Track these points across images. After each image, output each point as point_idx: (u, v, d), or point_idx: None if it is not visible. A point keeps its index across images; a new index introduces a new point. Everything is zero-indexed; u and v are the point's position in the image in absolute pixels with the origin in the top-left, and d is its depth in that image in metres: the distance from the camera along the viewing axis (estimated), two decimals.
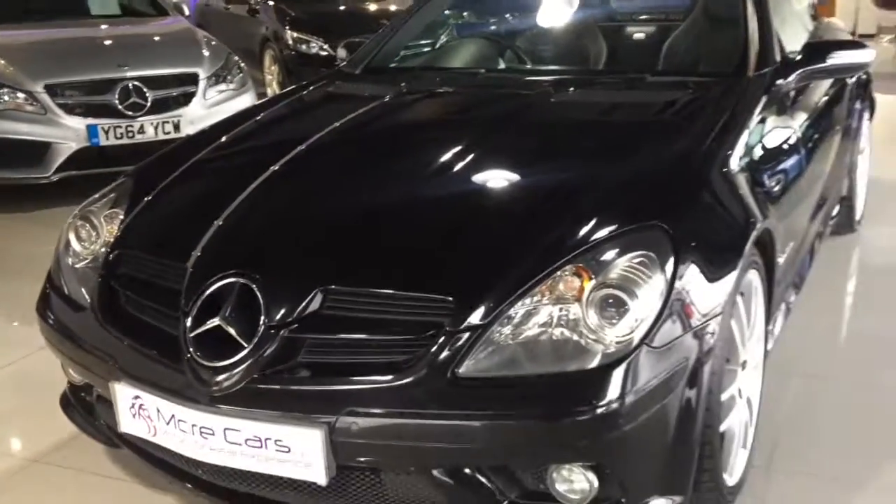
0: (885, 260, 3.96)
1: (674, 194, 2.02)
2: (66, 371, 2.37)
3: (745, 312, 2.12)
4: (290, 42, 8.08)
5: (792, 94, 2.82)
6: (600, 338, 1.72)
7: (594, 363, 1.70)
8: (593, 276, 1.77)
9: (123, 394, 1.95)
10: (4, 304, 3.92)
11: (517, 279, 1.77)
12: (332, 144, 2.48)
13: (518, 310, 1.75)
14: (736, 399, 2.11)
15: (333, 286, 1.83)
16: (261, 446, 1.77)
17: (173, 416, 1.86)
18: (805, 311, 3.35)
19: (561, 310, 1.76)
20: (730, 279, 1.90)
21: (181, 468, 1.99)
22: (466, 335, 1.72)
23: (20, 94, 5.07)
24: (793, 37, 3.20)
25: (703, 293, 1.83)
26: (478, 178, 2.19)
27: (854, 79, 3.73)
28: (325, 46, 7.91)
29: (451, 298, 1.76)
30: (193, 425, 1.83)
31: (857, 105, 3.84)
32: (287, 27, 8.21)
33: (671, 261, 1.81)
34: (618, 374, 1.68)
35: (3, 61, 5.22)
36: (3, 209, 5.19)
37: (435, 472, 1.77)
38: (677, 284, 1.79)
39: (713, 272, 1.87)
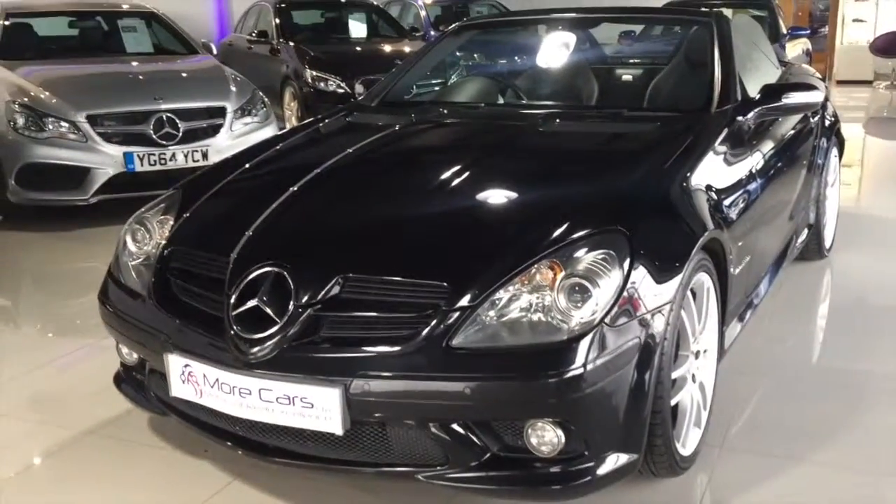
0: (850, 284, 4.34)
1: (634, 205, 2.42)
2: (119, 353, 2.77)
3: (695, 308, 2.50)
4: (310, 80, 8.57)
5: (752, 128, 3.21)
6: (567, 318, 2.11)
7: (562, 338, 2.09)
8: (564, 269, 2.17)
9: (175, 363, 2.35)
10: (52, 311, 4.36)
11: (501, 270, 2.17)
12: (350, 163, 2.91)
13: (502, 295, 2.14)
14: (688, 380, 2.49)
15: (351, 274, 2.23)
16: (289, 403, 2.16)
17: (217, 379, 2.26)
18: (773, 323, 3.75)
19: (537, 297, 2.15)
20: (678, 275, 2.29)
21: (221, 427, 2.38)
22: (457, 314, 2.11)
23: (64, 124, 5.52)
24: (760, 81, 3.61)
25: (654, 285, 2.22)
26: (472, 190, 2.60)
27: (817, 118, 4.12)
28: (343, 84, 8.40)
29: (445, 284, 2.15)
30: (234, 387, 2.23)
31: (824, 143, 4.23)
32: (306, 66, 8.70)
33: (628, 258, 2.20)
34: (580, 347, 2.07)
35: (48, 93, 5.69)
36: (46, 228, 5.64)
37: (431, 428, 2.14)
38: (632, 277, 2.18)
39: (663, 269, 2.26)
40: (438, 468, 2.19)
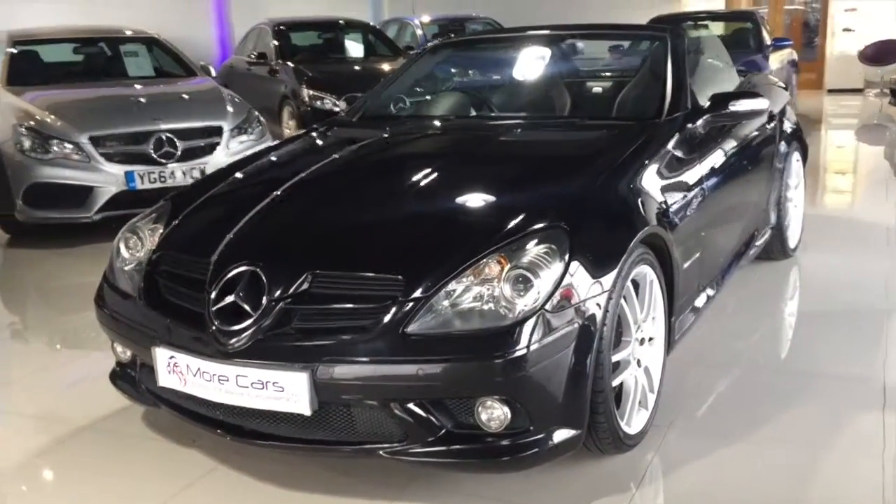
0: (816, 284, 4.56)
1: (576, 204, 2.66)
2: (114, 351, 3.01)
3: (637, 298, 2.73)
4: (307, 99, 8.85)
5: (703, 134, 3.44)
6: (511, 306, 2.34)
7: (506, 323, 2.32)
8: (509, 262, 2.40)
9: (162, 356, 2.59)
10: (55, 323, 4.61)
11: (452, 265, 2.40)
12: (323, 173, 3.17)
13: (453, 287, 2.37)
14: (631, 363, 2.71)
15: (318, 271, 2.47)
16: (262, 388, 2.39)
17: (199, 368, 2.50)
18: (735, 319, 3.97)
19: (486, 288, 2.38)
20: (615, 268, 2.51)
21: (204, 414, 2.62)
22: (412, 304, 2.35)
23: (68, 145, 5.79)
24: (719, 90, 3.83)
25: (592, 276, 2.45)
26: (431, 194, 2.86)
27: (773, 124, 4.33)
28: (339, 102, 8.65)
29: (401, 278, 2.39)
30: (213, 374, 2.47)
31: (784, 148, 4.45)
32: (304, 85, 8.99)
33: (568, 252, 2.44)
34: (523, 332, 2.30)
35: (53, 116, 5.96)
36: (51, 245, 5.90)
37: (391, 407, 2.37)
38: (571, 269, 2.41)
39: (601, 262, 2.49)
40: (398, 445, 2.41)
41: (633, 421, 2.74)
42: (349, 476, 2.70)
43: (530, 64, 4.26)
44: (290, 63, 9.57)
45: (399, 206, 2.81)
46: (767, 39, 9.62)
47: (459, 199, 2.81)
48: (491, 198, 2.79)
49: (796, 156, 4.72)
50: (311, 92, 8.88)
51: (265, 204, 2.88)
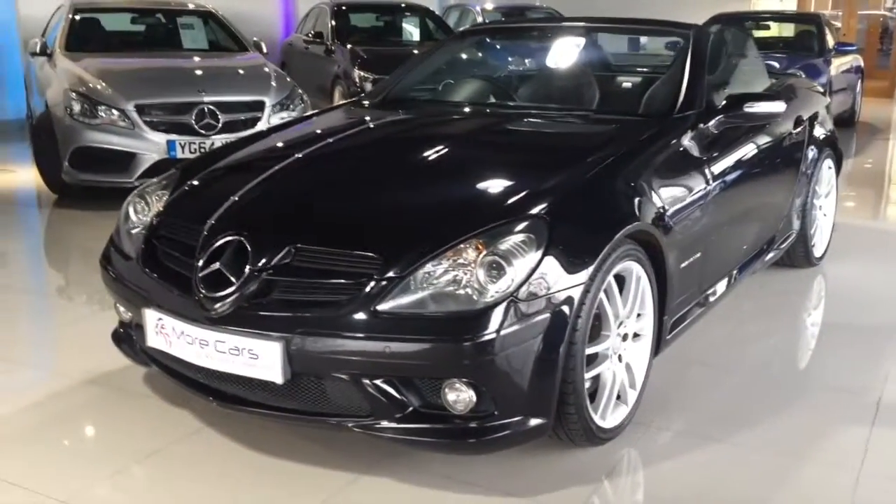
0: (839, 294, 4.47)
1: (561, 195, 2.66)
2: (117, 311, 3.13)
3: (619, 293, 2.71)
4: (357, 80, 8.95)
5: (716, 134, 3.39)
6: (483, 291, 2.37)
7: (476, 307, 2.35)
8: (486, 248, 2.43)
9: (151, 317, 2.69)
10: (88, 280, 4.79)
11: (430, 247, 2.44)
12: (326, 151, 3.24)
13: (428, 269, 2.41)
14: (610, 357, 2.71)
15: (300, 245, 2.53)
16: (238, 354, 2.47)
17: (183, 332, 2.59)
18: (749, 324, 3.93)
19: (461, 272, 2.41)
20: (594, 261, 2.51)
21: (188, 376, 2.72)
22: (386, 283, 2.40)
23: (115, 112, 5.98)
24: (743, 89, 3.78)
25: (568, 268, 2.45)
26: (423, 176, 2.91)
27: (800, 129, 4.23)
28: None
29: (376, 256, 2.44)
30: (195, 338, 2.55)
31: (814, 154, 4.34)
32: (356, 67, 9.08)
33: (545, 243, 2.45)
34: (492, 317, 2.33)
35: (104, 83, 6.15)
36: (94, 207, 6.11)
37: (361, 382, 2.42)
38: (547, 259, 2.43)
39: (579, 254, 2.50)
40: (366, 419, 2.47)
41: (608, 415, 2.74)
42: (325, 447, 2.77)
43: (552, 55, 4.25)
44: (348, 45, 9.66)
45: (389, 188, 2.86)
46: (831, 44, 9.37)
47: (449, 184, 2.85)
48: (480, 184, 2.81)
49: (828, 163, 4.61)
50: (362, 73, 8.96)
51: (264, 177, 2.95)
